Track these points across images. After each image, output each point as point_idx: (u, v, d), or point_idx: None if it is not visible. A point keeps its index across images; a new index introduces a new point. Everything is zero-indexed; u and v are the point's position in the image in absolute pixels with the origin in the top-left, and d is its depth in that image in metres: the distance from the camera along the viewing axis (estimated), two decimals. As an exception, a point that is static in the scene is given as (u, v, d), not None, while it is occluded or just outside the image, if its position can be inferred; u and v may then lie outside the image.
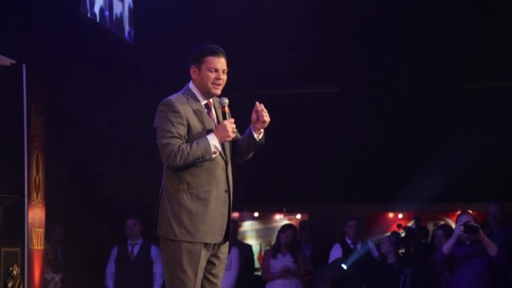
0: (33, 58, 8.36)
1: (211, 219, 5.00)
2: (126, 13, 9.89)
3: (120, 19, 9.83)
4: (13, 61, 8.04)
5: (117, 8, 9.81)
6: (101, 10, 9.42)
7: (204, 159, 4.94)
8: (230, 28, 9.96)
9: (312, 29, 10.44)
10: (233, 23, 10.01)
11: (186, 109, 5.00)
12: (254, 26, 9.83)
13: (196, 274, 4.97)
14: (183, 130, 4.97)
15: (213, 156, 4.97)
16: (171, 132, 4.94)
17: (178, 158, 4.89)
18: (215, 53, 5.07)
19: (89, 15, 9.07)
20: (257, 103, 5.08)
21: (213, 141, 4.96)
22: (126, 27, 9.95)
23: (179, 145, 4.91)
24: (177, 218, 4.96)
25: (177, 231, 4.96)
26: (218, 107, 5.17)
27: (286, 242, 10.25)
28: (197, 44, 5.16)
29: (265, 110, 5.05)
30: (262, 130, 5.10)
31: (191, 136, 4.99)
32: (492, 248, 8.44)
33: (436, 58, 10.96)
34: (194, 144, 4.92)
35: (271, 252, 10.42)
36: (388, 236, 10.07)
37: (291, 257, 10.22)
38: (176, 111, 4.97)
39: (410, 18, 10.39)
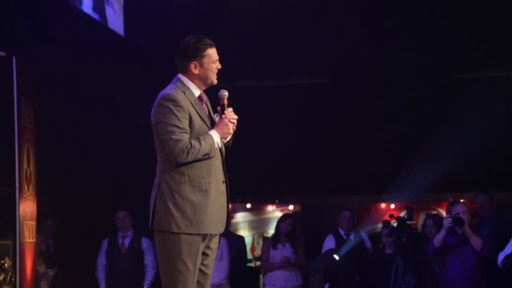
0: (23, 50, 8.33)
1: (213, 210, 5.02)
2: (117, 4, 9.83)
3: (111, 10, 9.78)
4: (3, 54, 8.02)
5: (108, -1, 9.75)
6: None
7: (209, 156, 4.98)
8: (220, 18, 9.93)
9: (303, 20, 10.41)
10: (224, 14, 9.98)
11: (186, 103, 5.00)
12: (245, 17, 9.79)
13: (195, 265, 5.00)
14: (187, 125, 4.98)
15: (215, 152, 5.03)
16: (180, 128, 4.93)
17: (190, 155, 4.91)
18: (212, 45, 5.10)
19: (79, 6, 9.02)
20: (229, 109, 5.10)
21: (216, 137, 5.02)
22: (118, 18, 9.90)
23: (190, 141, 4.92)
24: (180, 211, 4.95)
25: (181, 224, 4.95)
26: (207, 100, 5.18)
27: (286, 231, 10.24)
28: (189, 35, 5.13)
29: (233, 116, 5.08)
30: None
31: (192, 129, 4.99)
32: (476, 243, 8.44)
33: (427, 49, 10.95)
34: (202, 141, 4.94)
35: (271, 242, 10.40)
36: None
37: (291, 247, 10.21)
38: (180, 106, 4.96)
39: (401, 9, 10.37)
